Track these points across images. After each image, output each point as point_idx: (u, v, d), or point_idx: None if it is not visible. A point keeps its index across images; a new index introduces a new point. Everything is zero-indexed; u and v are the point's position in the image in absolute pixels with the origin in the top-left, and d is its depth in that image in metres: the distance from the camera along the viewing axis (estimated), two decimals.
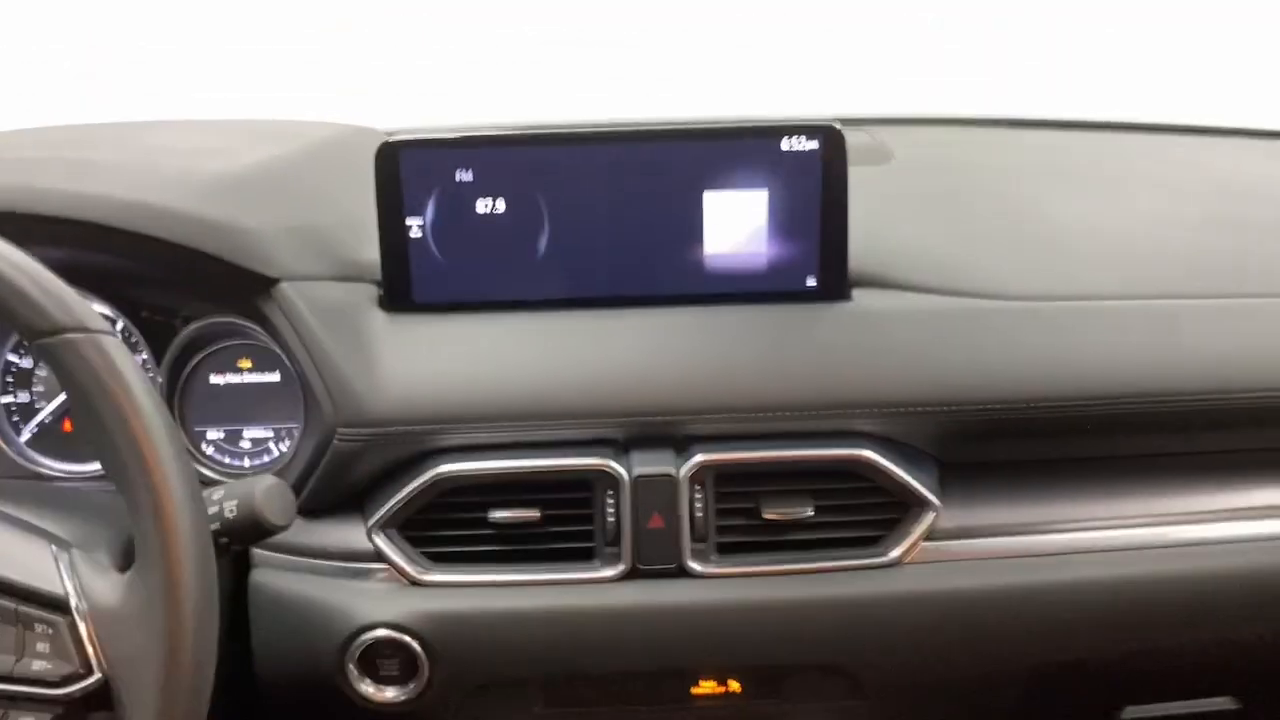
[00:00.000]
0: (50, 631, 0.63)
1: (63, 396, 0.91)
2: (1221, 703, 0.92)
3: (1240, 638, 0.87)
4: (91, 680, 0.62)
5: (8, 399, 0.93)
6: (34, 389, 0.93)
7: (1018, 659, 0.85)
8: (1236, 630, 0.86)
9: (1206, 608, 0.85)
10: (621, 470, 0.80)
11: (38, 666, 0.63)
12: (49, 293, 0.61)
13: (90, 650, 0.62)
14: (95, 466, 0.92)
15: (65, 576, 0.64)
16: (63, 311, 0.61)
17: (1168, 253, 0.93)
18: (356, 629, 0.79)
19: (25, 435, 0.93)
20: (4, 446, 0.93)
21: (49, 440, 0.93)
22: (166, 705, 0.61)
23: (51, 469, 0.93)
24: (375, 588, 0.81)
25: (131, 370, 0.61)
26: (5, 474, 0.92)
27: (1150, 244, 0.94)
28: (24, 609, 0.63)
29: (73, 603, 0.63)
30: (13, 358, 0.93)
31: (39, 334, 0.60)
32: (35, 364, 0.92)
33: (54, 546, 0.66)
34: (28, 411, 0.93)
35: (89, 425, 0.62)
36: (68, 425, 0.93)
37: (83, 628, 0.62)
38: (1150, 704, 0.91)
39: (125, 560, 0.66)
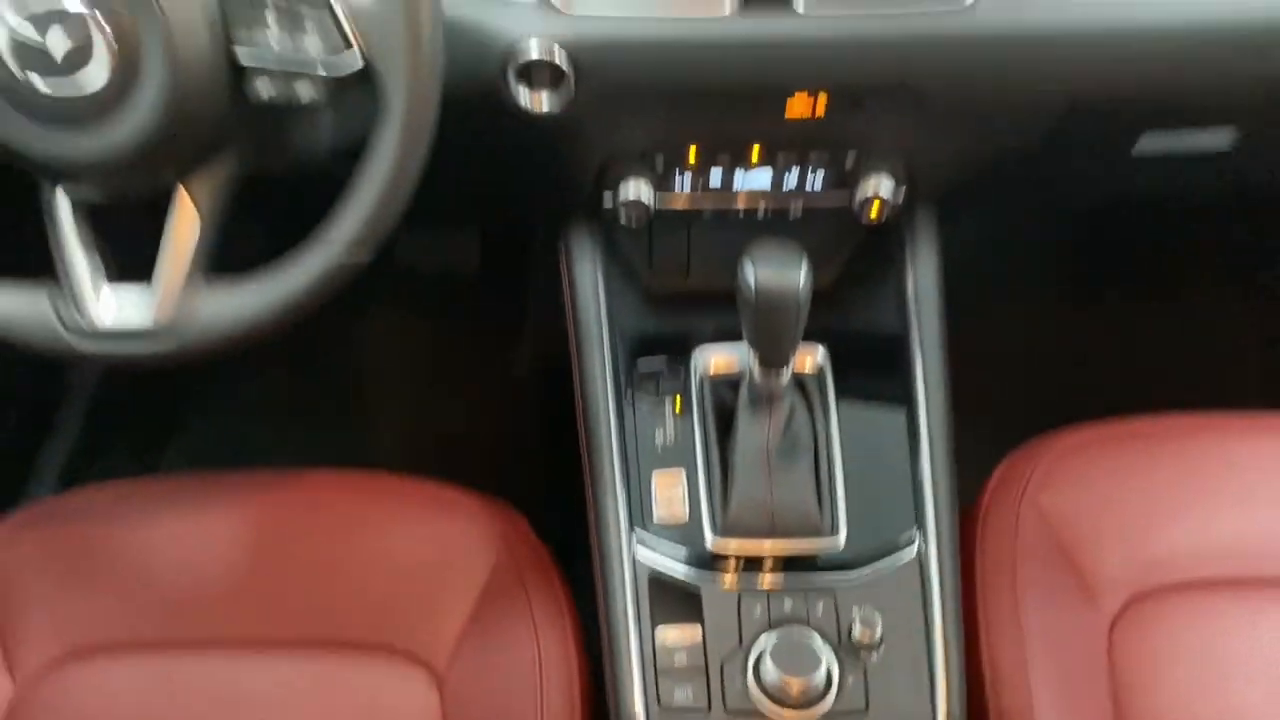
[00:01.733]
0: (319, 22, 0.76)
1: None
2: (1224, 133, 1.04)
3: (1254, 75, 0.97)
4: (356, 60, 0.76)
5: None
6: None
7: (1061, 87, 0.95)
8: (1255, 68, 0.96)
9: (1238, 46, 0.94)
10: None
11: (312, 49, 0.76)
12: None
13: (353, 38, 0.75)
14: None
15: None
16: None
17: None
18: (516, 42, 0.89)
19: None
20: None
21: None
22: (414, 79, 0.76)
23: None
24: (524, 11, 0.90)
25: None
26: None
27: None
28: (293, 4, 0.76)
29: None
30: None
31: None
32: None
33: None
34: None
35: None
36: None
37: (345, 21, 0.75)
38: (1166, 130, 1.03)
39: None
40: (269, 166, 0.85)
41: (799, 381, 0.96)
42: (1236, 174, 1.16)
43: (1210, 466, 1.03)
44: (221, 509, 1.02)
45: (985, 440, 1.08)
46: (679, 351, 1.03)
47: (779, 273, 0.83)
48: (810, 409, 0.96)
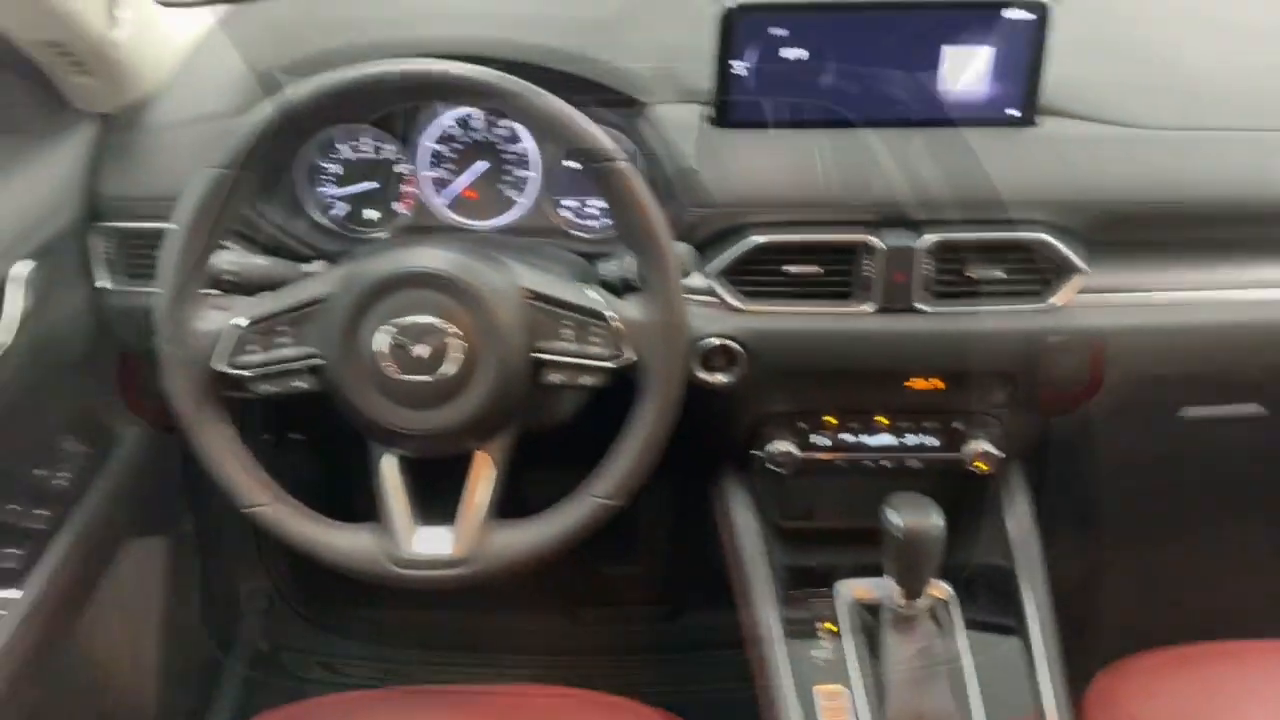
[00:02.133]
0: (601, 331, 0.99)
1: (474, 170, 1.27)
2: (1252, 407, 1.32)
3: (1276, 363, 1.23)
4: (627, 359, 0.99)
5: (434, 175, 1.27)
6: (448, 166, 1.27)
7: (1123, 372, 1.20)
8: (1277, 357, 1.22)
9: (1259, 342, 1.21)
10: (878, 242, 1.13)
11: (595, 350, 1.00)
12: (597, 134, 0.97)
13: (625, 341, 0.99)
14: (495, 223, 1.28)
15: (603, 302, 1.00)
16: (608, 146, 0.97)
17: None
18: (702, 335, 1.14)
19: (444, 200, 1.28)
20: (435, 208, 1.27)
21: (461, 205, 1.28)
22: (669, 372, 0.99)
23: (465, 224, 1.28)
24: (711, 312, 1.15)
25: (644, 185, 0.98)
26: (435, 226, 1.28)
27: (1265, 80, 1.27)
28: (583, 319, 0.99)
29: (609, 316, 0.99)
30: (437, 146, 1.27)
31: (597, 160, 0.97)
32: (450, 149, 1.27)
33: (583, 285, 1.02)
34: (445, 183, 1.28)
35: (621, 216, 0.98)
36: (471, 193, 1.28)
37: (620, 329, 0.99)
38: (1201, 406, 1.31)
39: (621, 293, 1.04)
40: (539, 426, 1.08)
41: (930, 608, 1.16)
42: (1271, 434, 1.41)
43: (1272, 685, 1.21)
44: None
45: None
46: (815, 580, 1.24)
47: (920, 518, 1.06)
48: (942, 631, 1.16)
